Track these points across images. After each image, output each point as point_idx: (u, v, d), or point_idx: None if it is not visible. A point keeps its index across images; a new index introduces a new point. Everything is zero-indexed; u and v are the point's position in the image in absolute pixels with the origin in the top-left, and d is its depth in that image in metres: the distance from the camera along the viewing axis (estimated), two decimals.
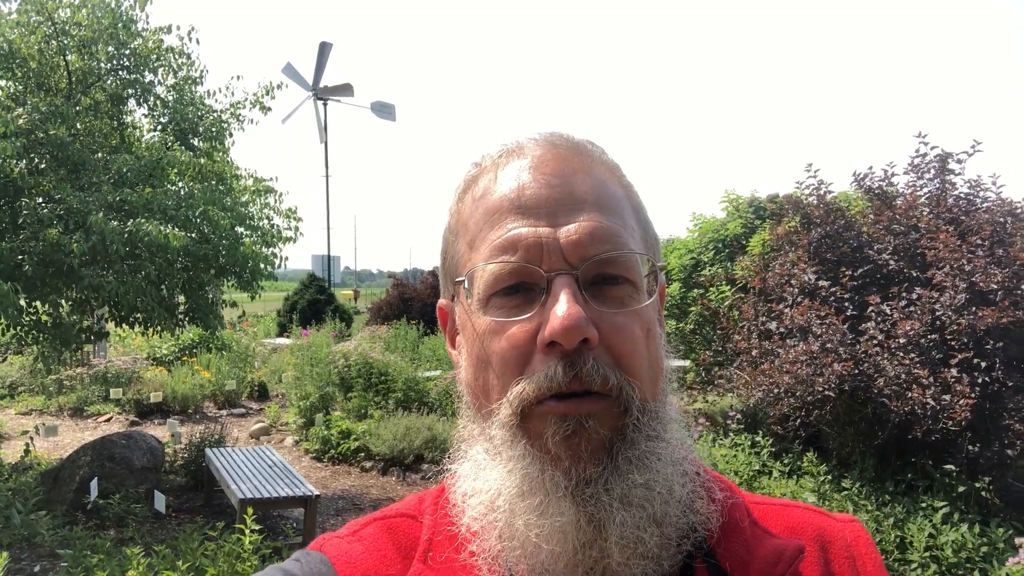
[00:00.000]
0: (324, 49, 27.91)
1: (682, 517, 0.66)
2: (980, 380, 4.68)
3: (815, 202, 6.06)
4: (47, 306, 6.20)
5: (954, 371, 4.66)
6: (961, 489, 4.61)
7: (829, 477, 5.06)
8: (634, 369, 0.65)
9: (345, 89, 28.07)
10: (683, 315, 8.03)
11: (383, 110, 29.40)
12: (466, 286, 0.69)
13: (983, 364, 4.75)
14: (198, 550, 4.05)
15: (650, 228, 0.74)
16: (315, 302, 18.00)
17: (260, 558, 4.02)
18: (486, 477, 0.67)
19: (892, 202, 5.87)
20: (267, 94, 7.36)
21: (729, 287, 7.34)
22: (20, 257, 5.64)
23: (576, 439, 0.62)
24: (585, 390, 0.63)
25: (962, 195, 5.70)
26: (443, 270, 0.77)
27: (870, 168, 6.03)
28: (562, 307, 0.62)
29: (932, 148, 5.79)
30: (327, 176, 28.72)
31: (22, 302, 5.80)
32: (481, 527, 0.67)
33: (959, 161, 5.74)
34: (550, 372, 0.62)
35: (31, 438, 7.19)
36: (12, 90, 6.54)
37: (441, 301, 0.79)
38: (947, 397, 4.52)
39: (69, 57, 6.51)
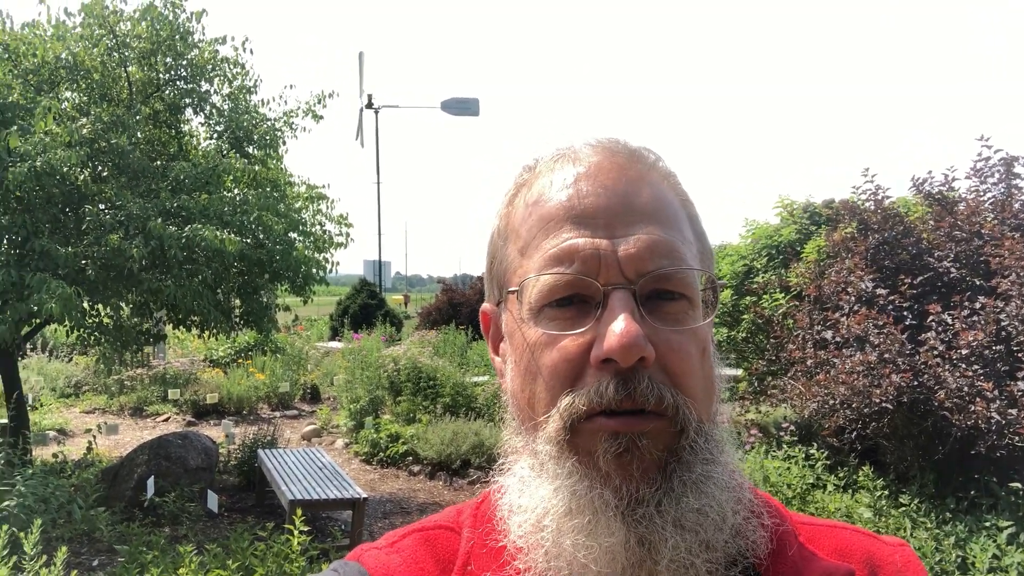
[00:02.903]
0: (361, 59, 28.09)
1: (732, 542, 0.64)
2: None
3: (872, 207, 5.89)
4: (108, 309, 6.40)
5: (1021, 384, 4.47)
6: None
7: (886, 492, 4.89)
8: (690, 389, 0.63)
9: (369, 97, 27.89)
10: (735, 323, 7.88)
11: (461, 106, 28.11)
12: (518, 295, 0.68)
13: None
14: (248, 550, 4.12)
15: (705, 240, 0.72)
16: (366, 306, 18.24)
17: (308, 559, 4.07)
18: (532, 494, 0.65)
19: (953, 208, 5.67)
20: (319, 103, 7.49)
21: (783, 294, 7.18)
22: (84, 262, 5.85)
23: (628, 457, 0.61)
24: (638, 409, 0.61)
25: None
26: (489, 274, 0.75)
27: (929, 173, 5.85)
28: (620, 324, 0.60)
29: (996, 152, 5.58)
30: (378, 183, 29.04)
31: (85, 305, 6.00)
32: (527, 544, 0.65)
33: None
34: (601, 387, 0.61)
35: (93, 436, 7.44)
36: (77, 101, 6.79)
37: (485, 306, 0.77)
38: (1013, 411, 4.34)
39: (130, 68, 6.74)
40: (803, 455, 5.55)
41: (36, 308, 5.25)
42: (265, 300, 7.24)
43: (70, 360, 13.20)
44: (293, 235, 7.00)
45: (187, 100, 6.95)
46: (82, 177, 6.01)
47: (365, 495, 5.61)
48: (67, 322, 5.58)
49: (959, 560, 4.22)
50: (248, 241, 6.41)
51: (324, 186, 7.77)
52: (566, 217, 0.66)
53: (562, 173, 0.69)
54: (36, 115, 5.75)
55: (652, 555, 0.60)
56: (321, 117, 7.50)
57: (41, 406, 10.30)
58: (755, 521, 0.66)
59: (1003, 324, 4.70)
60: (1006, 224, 5.28)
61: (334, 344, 15.64)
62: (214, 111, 7.12)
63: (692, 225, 0.71)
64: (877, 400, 4.66)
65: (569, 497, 0.62)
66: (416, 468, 7.77)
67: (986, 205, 5.55)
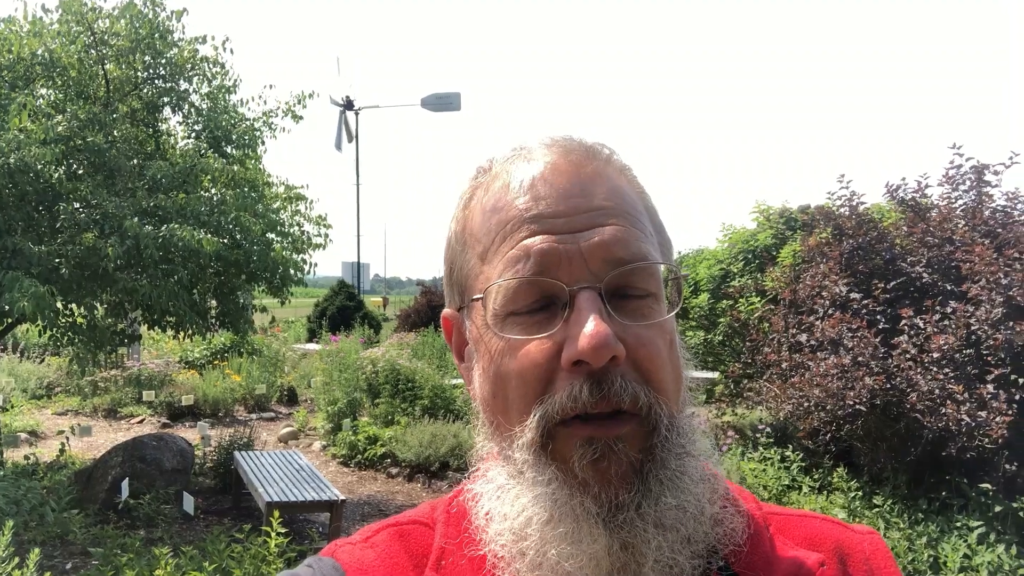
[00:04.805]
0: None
1: (710, 532, 0.65)
2: (1017, 396, 4.57)
3: (847, 213, 5.98)
4: (82, 309, 6.31)
5: (990, 387, 4.56)
6: (998, 509, 4.50)
7: (860, 493, 4.97)
8: (661, 384, 0.63)
9: (347, 99, 27.68)
10: (712, 326, 7.96)
11: (441, 102, 27.21)
12: (483, 302, 0.67)
13: (1021, 380, 4.64)
14: (225, 552, 4.09)
15: (664, 232, 0.72)
16: (344, 308, 18.16)
17: (285, 562, 4.04)
18: (512, 501, 0.64)
19: (926, 214, 5.78)
20: (299, 103, 7.45)
21: (759, 298, 7.26)
22: (57, 261, 5.76)
23: (605, 463, 0.60)
24: (613, 410, 0.61)
25: (999, 207, 5.59)
26: (449, 280, 0.74)
27: (903, 180, 5.96)
28: (589, 325, 0.59)
29: (968, 160, 5.70)
30: (357, 184, 28.95)
31: (59, 304, 5.92)
32: (508, 553, 0.64)
33: (996, 173, 5.64)
34: (574, 391, 0.60)
35: (66, 438, 7.33)
36: (53, 98, 6.70)
37: (446, 311, 0.76)
38: (983, 414, 4.42)
39: (107, 66, 6.65)
40: (779, 457, 5.61)
41: (8, 307, 5.17)
42: (242, 301, 7.18)
43: (42, 361, 12.98)
44: (271, 236, 6.94)
45: (165, 99, 6.87)
46: (57, 175, 5.93)
47: (343, 497, 5.58)
48: (40, 322, 5.50)
49: (931, 560, 4.30)
50: (225, 241, 6.35)
51: (303, 187, 7.72)
52: (526, 219, 0.65)
53: (518, 175, 0.68)
54: (11, 112, 5.66)
55: (636, 558, 0.61)
56: (301, 117, 7.46)
57: (12, 407, 10.12)
58: (731, 509, 0.67)
59: (973, 328, 4.79)
60: (976, 230, 5.39)
61: (311, 346, 15.54)
62: (193, 110, 7.05)
63: (651, 217, 0.70)
64: (851, 402, 4.73)
65: (551, 505, 0.62)
66: (394, 470, 7.75)
67: (957, 212, 5.66)
